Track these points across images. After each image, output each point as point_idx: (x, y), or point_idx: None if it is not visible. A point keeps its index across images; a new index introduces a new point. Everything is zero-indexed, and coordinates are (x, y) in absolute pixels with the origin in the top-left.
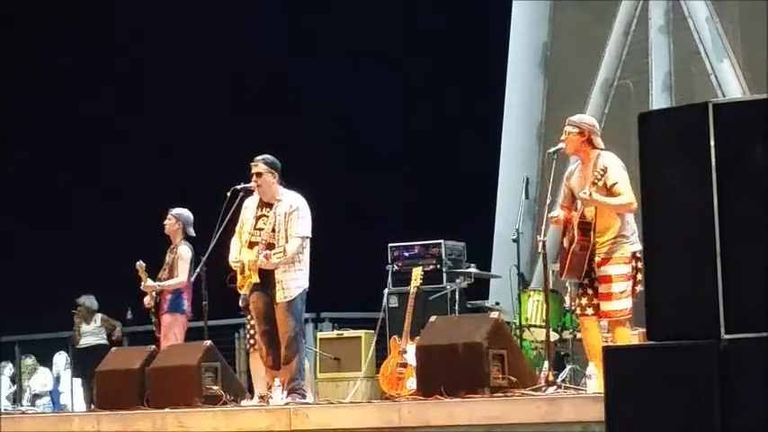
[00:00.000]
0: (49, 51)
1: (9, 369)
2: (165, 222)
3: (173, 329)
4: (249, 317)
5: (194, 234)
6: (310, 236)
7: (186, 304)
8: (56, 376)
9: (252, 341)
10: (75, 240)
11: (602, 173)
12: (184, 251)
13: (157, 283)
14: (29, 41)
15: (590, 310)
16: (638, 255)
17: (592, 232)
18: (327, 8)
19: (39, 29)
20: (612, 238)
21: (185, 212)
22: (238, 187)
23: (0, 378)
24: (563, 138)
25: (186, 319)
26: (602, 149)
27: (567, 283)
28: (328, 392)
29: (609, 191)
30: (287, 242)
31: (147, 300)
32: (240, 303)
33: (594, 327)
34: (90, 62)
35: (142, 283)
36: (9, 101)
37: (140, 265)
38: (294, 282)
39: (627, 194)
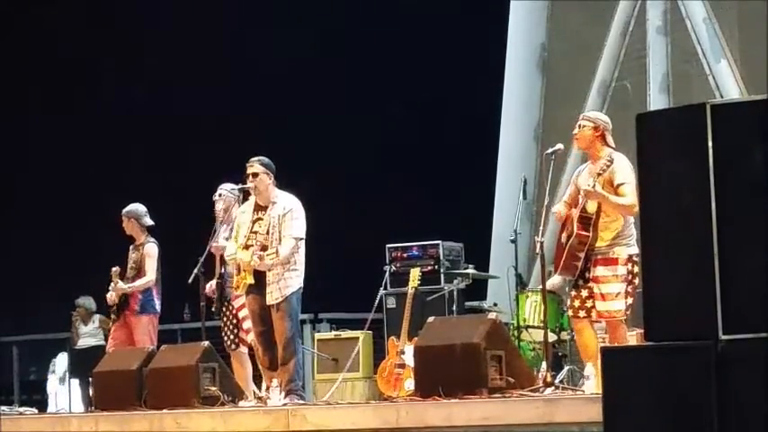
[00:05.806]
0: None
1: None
2: (123, 226)
3: (148, 329)
4: (226, 318)
5: (152, 222)
6: (304, 237)
7: (157, 303)
8: (60, 377)
9: (229, 342)
10: (73, 241)
11: (607, 164)
12: (151, 248)
13: (128, 285)
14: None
15: (582, 313)
16: (635, 258)
17: (592, 227)
18: (325, 8)
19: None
20: (612, 238)
21: (134, 207)
22: (236, 188)
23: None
24: (575, 132)
25: (158, 317)
26: (613, 148)
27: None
28: (326, 393)
29: (615, 190)
30: (280, 244)
31: (110, 296)
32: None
33: (588, 328)
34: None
35: (111, 285)
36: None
37: (115, 270)
38: (285, 282)
39: (631, 197)
